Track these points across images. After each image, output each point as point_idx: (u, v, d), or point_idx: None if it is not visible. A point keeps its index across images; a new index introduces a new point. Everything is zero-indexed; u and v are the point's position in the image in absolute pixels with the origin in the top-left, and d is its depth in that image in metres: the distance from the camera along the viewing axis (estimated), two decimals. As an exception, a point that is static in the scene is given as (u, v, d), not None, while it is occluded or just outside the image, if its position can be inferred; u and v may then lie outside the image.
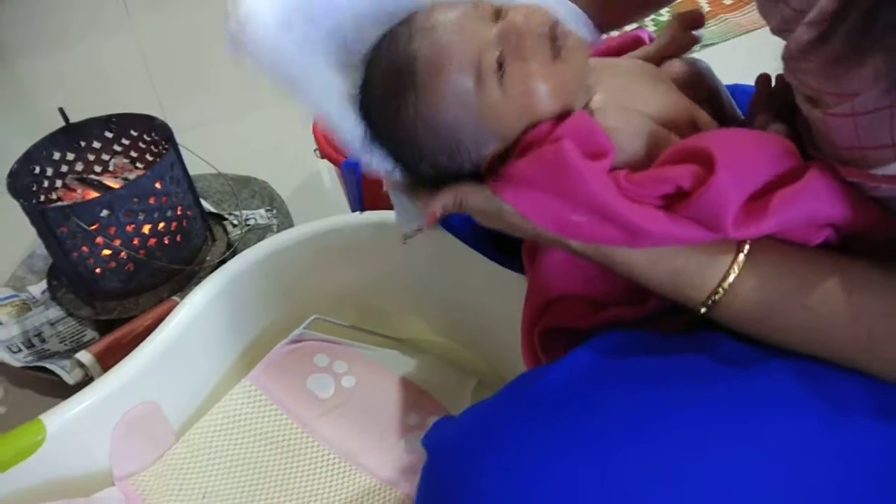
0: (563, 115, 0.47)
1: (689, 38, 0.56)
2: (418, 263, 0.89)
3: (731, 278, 0.43)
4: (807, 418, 0.40)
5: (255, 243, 0.87)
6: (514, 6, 0.48)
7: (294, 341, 0.85)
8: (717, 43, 1.53)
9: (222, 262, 0.96)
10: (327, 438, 0.81)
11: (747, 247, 0.43)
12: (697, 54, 0.58)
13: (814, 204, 0.41)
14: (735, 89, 0.59)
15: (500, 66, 0.46)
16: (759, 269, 0.43)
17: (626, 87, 0.51)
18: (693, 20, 0.55)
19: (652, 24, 1.62)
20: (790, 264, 0.43)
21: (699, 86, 0.55)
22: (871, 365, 0.41)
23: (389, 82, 0.49)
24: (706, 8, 1.65)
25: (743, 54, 1.50)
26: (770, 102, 0.51)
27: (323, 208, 1.21)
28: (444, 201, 0.49)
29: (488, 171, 0.49)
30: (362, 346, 0.89)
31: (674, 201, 0.43)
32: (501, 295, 0.71)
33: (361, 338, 0.91)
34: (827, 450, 0.39)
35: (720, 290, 0.43)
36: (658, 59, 0.57)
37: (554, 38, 0.47)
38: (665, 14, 1.67)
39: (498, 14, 0.48)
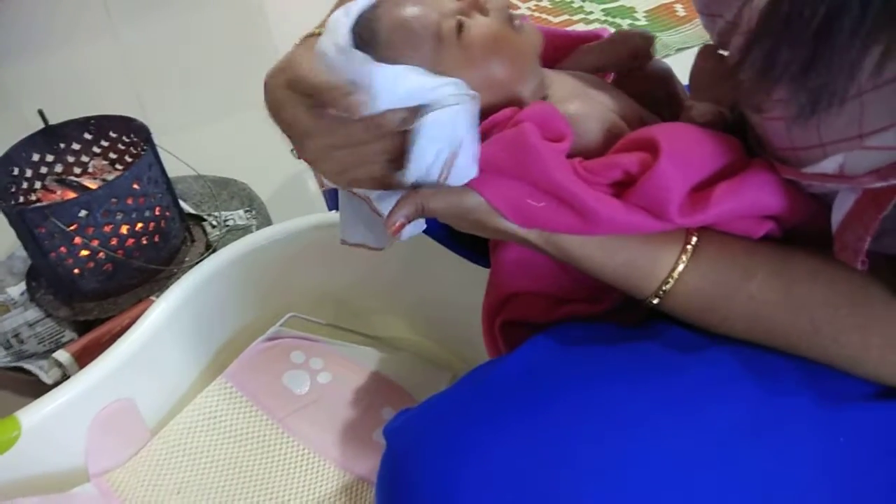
0: (520, 105, 0.48)
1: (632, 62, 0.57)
2: (394, 262, 0.90)
3: (680, 268, 0.45)
4: (748, 399, 0.42)
5: (233, 243, 0.88)
6: None
7: (270, 339, 0.86)
8: (692, 46, 1.55)
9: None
10: (303, 434, 0.82)
11: (695, 238, 0.45)
12: (672, 58, 0.59)
13: (755, 195, 0.43)
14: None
15: (460, 28, 0.48)
16: (706, 259, 0.45)
17: (580, 85, 0.53)
18: (639, 54, 0.56)
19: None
20: (735, 255, 0.45)
21: (659, 86, 0.57)
22: (813, 352, 0.43)
23: (355, 35, 0.49)
24: (681, 12, 1.68)
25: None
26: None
27: (304, 209, 1.22)
28: (405, 211, 0.47)
29: None
30: (338, 343, 0.90)
31: (623, 188, 0.44)
32: (475, 291, 0.72)
33: (338, 335, 0.92)
34: (766, 430, 0.41)
35: (670, 279, 0.45)
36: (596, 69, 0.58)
37: (510, 14, 0.49)
38: (642, 20, 1.70)
39: None
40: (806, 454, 0.40)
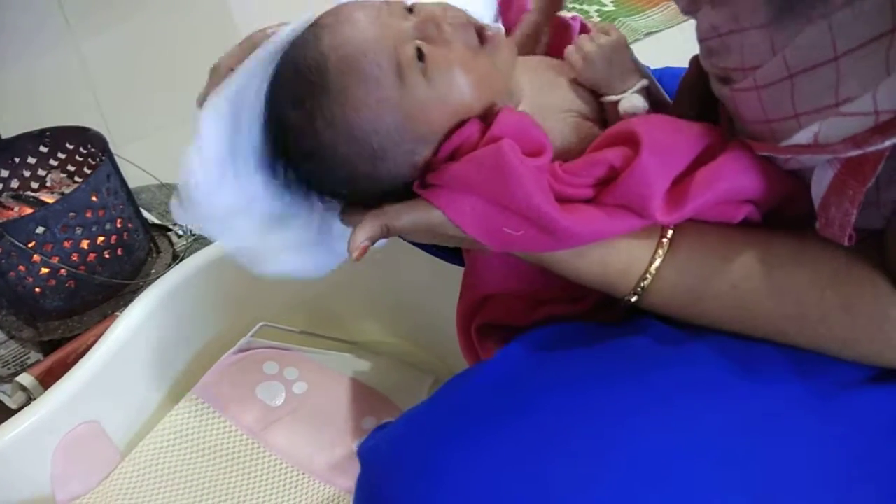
0: (487, 115, 0.45)
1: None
2: (368, 263, 0.87)
3: (656, 263, 0.43)
4: (736, 397, 0.40)
5: (201, 253, 0.85)
6: (426, 4, 0.46)
7: (241, 350, 0.83)
8: (662, 30, 1.54)
9: (168, 274, 0.93)
10: (280, 448, 0.79)
11: (670, 232, 0.43)
12: (643, 42, 0.57)
13: (732, 180, 0.41)
14: (664, 73, 0.59)
15: (421, 56, 0.43)
16: (683, 251, 0.43)
17: (543, 86, 0.50)
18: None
19: (597, 16, 1.63)
20: (712, 245, 0.43)
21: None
22: (802, 337, 0.42)
23: (296, 90, 0.44)
24: (649, -4, 1.67)
25: (687, 40, 1.51)
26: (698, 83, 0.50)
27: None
28: (369, 232, 0.44)
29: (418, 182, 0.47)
30: (314, 351, 0.88)
31: (605, 185, 0.42)
32: (451, 291, 0.70)
33: (313, 343, 0.89)
34: (757, 428, 0.39)
35: (647, 276, 0.43)
36: (542, 24, 0.56)
37: (478, 28, 0.45)
38: (609, 5, 1.68)
39: (411, 11, 0.45)
40: (800, 448, 0.39)
